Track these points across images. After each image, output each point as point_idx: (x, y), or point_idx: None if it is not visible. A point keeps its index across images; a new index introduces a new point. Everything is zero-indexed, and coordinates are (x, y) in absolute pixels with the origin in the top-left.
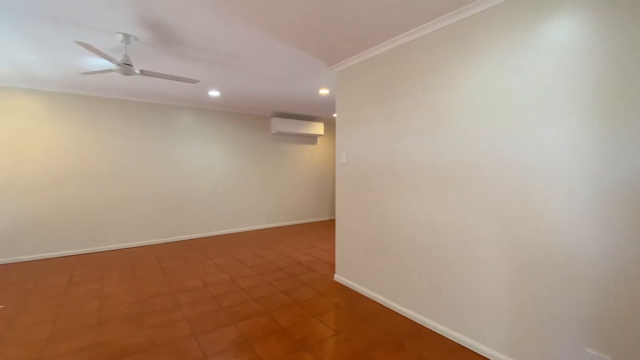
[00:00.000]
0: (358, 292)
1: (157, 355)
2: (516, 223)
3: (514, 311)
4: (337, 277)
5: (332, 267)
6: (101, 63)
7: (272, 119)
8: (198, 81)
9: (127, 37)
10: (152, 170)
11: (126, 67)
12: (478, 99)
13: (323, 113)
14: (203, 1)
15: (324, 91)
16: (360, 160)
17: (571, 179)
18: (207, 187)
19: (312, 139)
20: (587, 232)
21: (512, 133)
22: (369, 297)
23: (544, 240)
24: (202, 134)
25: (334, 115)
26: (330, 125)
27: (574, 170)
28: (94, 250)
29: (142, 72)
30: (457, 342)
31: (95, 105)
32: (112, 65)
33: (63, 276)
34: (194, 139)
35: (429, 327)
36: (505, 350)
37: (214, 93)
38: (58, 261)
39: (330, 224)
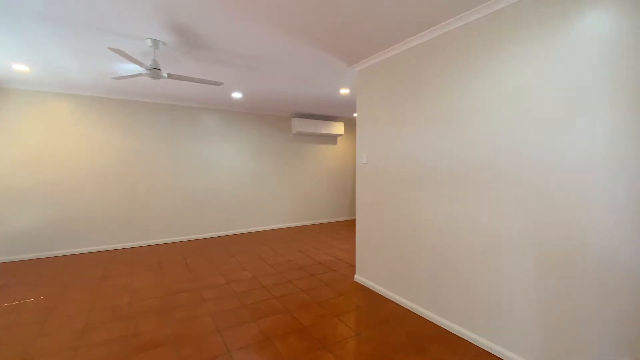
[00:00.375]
0: (379, 294)
1: (182, 348)
2: (546, 226)
3: (543, 317)
4: (358, 278)
5: (352, 267)
6: (131, 68)
7: (293, 120)
8: (222, 83)
9: (155, 42)
10: (177, 171)
11: (155, 71)
12: (504, 97)
13: (343, 113)
14: (228, 6)
15: (344, 91)
16: (382, 160)
17: (606, 180)
18: (229, 187)
19: (332, 139)
20: (624, 235)
21: (540, 132)
22: (390, 298)
23: (576, 244)
24: (225, 134)
25: (355, 115)
26: (350, 125)
27: (610, 170)
28: (124, 246)
29: (170, 76)
30: (482, 348)
31: (124, 108)
32: (142, 70)
33: (97, 270)
34: (218, 139)
35: (452, 332)
36: (533, 358)
37: (236, 95)
38: (92, 256)
39: (350, 224)
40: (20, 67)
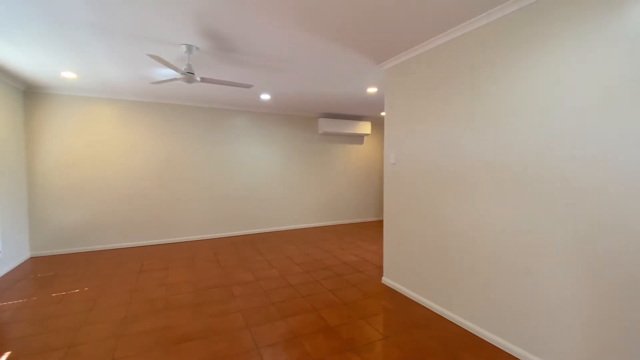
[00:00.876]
0: (407, 297)
1: (214, 342)
2: (594, 229)
3: (588, 329)
4: (385, 280)
5: (379, 269)
6: (168, 73)
7: (320, 120)
8: (251, 86)
9: (189, 48)
10: (209, 170)
11: (189, 75)
12: (546, 91)
13: (370, 112)
14: (257, 10)
15: (372, 90)
16: (411, 160)
17: None
18: (258, 186)
19: (358, 138)
20: None
21: (589, 128)
22: (420, 302)
23: (629, 249)
24: (253, 135)
25: (382, 113)
26: (377, 124)
27: None
28: (161, 242)
29: (203, 79)
30: (519, 358)
31: (161, 111)
32: (177, 74)
33: (136, 264)
34: (246, 140)
35: (486, 339)
36: None
37: (265, 96)
38: (131, 251)
39: (376, 225)
40: (69, 75)
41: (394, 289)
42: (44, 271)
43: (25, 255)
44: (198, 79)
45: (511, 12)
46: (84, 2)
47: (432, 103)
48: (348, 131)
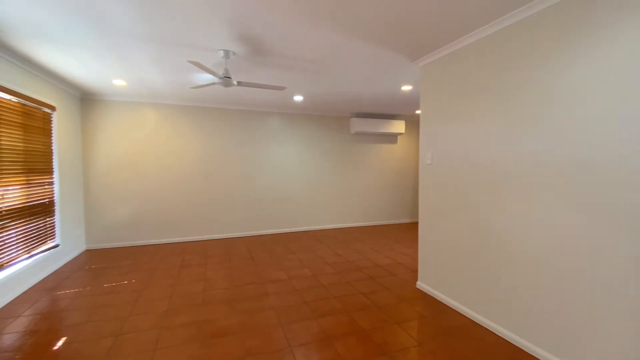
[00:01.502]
0: (443, 303)
1: (248, 338)
2: None
3: None
4: (420, 285)
5: (413, 273)
6: (206, 77)
7: (352, 119)
8: (285, 88)
9: (227, 53)
10: (243, 171)
11: (226, 79)
12: (598, 84)
13: (405, 110)
14: (291, 13)
15: (406, 87)
16: (448, 159)
17: None
18: (290, 186)
19: (392, 138)
20: None
21: None
22: (457, 309)
23: None
24: (286, 136)
25: (417, 112)
26: (412, 123)
27: None
28: (200, 238)
29: (239, 83)
30: None
31: (199, 114)
32: (216, 79)
33: (177, 259)
34: (279, 141)
35: (529, 352)
36: None
37: (298, 97)
38: (173, 246)
39: (411, 227)
40: (119, 82)
41: (430, 294)
42: (97, 263)
43: (81, 248)
44: (235, 82)
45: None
46: (133, 15)
47: (472, 100)
48: (381, 130)
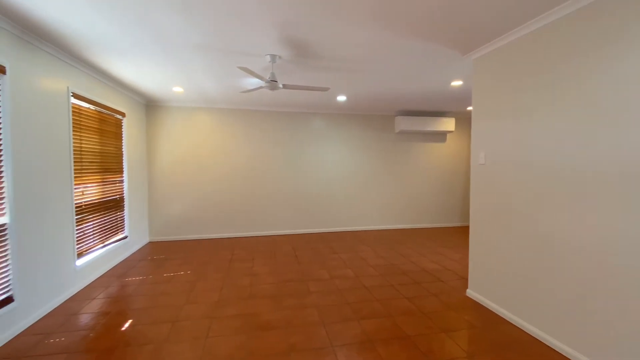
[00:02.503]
0: (496, 314)
1: (291, 334)
2: None
3: None
4: (470, 293)
5: (463, 280)
6: (254, 82)
7: (397, 118)
8: (328, 89)
9: (273, 57)
10: (289, 171)
11: (273, 83)
12: None
13: (455, 107)
14: (335, 14)
15: (456, 83)
16: (504, 160)
17: None
18: (333, 186)
19: (440, 136)
20: None
21: None
22: (511, 321)
23: None
24: (329, 136)
25: (469, 108)
26: (463, 120)
27: None
28: (248, 234)
29: (285, 86)
30: None
31: (246, 117)
32: (263, 83)
33: (227, 253)
34: (323, 141)
35: None
36: None
37: (341, 98)
38: (225, 241)
39: (460, 231)
40: (178, 89)
41: (480, 303)
42: (158, 254)
43: (145, 240)
44: (280, 86)
45: None
46: (189, 26)
47: (532, 95)
48: (428, 129)
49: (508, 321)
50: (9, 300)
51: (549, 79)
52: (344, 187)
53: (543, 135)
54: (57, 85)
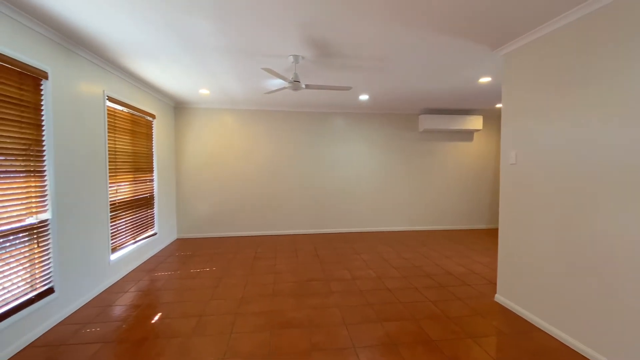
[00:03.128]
0: (528, 321)
1: (314, 333)
2: None
3: None
4: (499, 298)
5: (491, 284)
6: (277, 83)
7: (420, 117)
8: (350, 88)
9: (296, 58)
10: (310, 170)
11: (296, 83)
12: None
13: (482, 104)
14: (358, 13)
15: (484, 79)
16: (537, 160)
17: None
18: (354, 186)
19: (467, 135)
20: None
21: None
22: (543, 328)
23: None
24: (350, 136)
25: (498, 105)
26: (491, 118)
27: None
28: (270, 233)
29: (307, 86)
30: None
31: (269, 118)
32: (286, 84)
33: (251, 251)
34: (344, 141)
35: None
36: None
37: (363, 97)
38: (248, 239)
39: (488, 234)
40: (204, 91)
41: (510, 309)
42: (185, 250)
43: (174, 236)
44: (303, 86)
45: None
46: (214, 30)
47: (569, 91)
48: (454, 127)
49: (540, 328)
50: (50, 291)
51: (592, 72)
52: (365, 187)
53: (585, 132)
54: (93, 89)
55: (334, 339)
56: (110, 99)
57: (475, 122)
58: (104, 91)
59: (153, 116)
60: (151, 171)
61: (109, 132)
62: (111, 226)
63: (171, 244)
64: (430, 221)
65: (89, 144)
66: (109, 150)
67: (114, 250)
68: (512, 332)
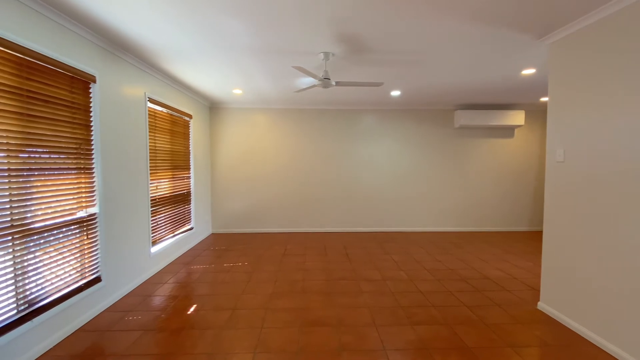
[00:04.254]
0: (574, 331)
1: (343, 333)
2: None
3: None
4: (542, 306)
5: (533, 291)
6: (308, 81)
7: (456, 112)
8: (382, 83)
9: (326, 55)
10: (339, 169)
11: (326, 80)
12: None
13: (525, 98)
14: (392, 4)
15: (528, 71)
16: (589, 157)
17: None
18: (385, 185)
19: (507, 131)
20: None
21: None
22: (593, 341)
23: None
24: (381, 133)
25: (543, 99)
26: (535, 112)
27: None
28: (299, 230)
29: (338, 83)
30: None
31: (302, 116)
32: (316, 81)
33: (280, 248)
34: (375, 138)
35: None
36: None
37: (395, 93)
38: (279, 235)
39: (529, 237)
40: (237, 91)
41: (555, 318)
42: (219, 245)
43: (208, 231)
44: (334, 83)
45: None
46: (246, 30)
47: (625, 81)
48: (493, 123)
49: (589, 341)
50: (97, 280)
51: None
52: (396, 186)
53: None
54: (135, 91)
55: (364, 339)
56: (151, 100)
57: (517, 118)
58: (145, 93)
59: (190, 116)
60: (188, 169)
61: (149, 131)
62: (152, 220)
63: (206, 238)
64: (465, 222)
65: (132, 143)
66: (149, 149)
67: (154, 243)
68: (558, 343)
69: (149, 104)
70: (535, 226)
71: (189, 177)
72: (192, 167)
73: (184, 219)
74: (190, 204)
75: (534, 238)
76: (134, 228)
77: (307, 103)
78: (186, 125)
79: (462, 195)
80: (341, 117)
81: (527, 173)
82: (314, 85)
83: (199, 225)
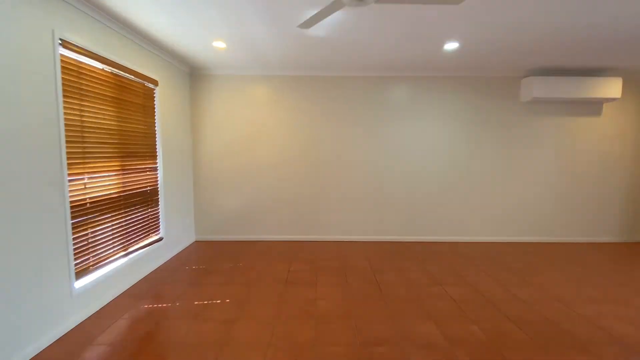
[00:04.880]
0: None
1: None
2: None
3: None
4: None
5: None
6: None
7: (524, 80)
8: (462, 1)
9: None
10: (362, 159)
11: None
12: None
13: (624, 60)
14: None
15: None
16: None
17: None
18: (424, 179)
19: (591, 107)
20: None
21: None
22: None
23: None
24: (419, 110)
25: None
26: (636, 81)
27: None
28: (307, 238)
29: (378, 0)
30: None
31: (314, 86)
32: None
33: (283, 267)
34: (410, 117)
35: None
36: None
37: (451, 45)
38: (281, 246)
39: (625, 252)
40: (219, 44)
41: None
42: (200, 262)
43: (191, 239)
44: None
45: None
46: None
47: None
48: (575, 95)
49: None
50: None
51: None
52: (439, 182)
53: None
54: (31, 24)
55: None
56: (69, 46)
57: (610, 88)
58: (53, 31)
59: (155, 82)
60: (154, 157)
61: (66, 97)
62: (76, 238)
63: (186, 249)
64: (536, 230)
65: (27, 114)
66: (67, 126)
67: (80, 273)
68: None
69: (64, 51)
70: (629, 236)
71: (155, 169)
72: (160, 154)
73: (145, 228)
74: (157, 205)
75: (635, 253)
76: (34, 254)
77: (323, 68)
78: (148, 95)
79: (530, 194)
80: (365, 87)
81: (618, 163)
82: (334, 7)
83: (173, 234)
